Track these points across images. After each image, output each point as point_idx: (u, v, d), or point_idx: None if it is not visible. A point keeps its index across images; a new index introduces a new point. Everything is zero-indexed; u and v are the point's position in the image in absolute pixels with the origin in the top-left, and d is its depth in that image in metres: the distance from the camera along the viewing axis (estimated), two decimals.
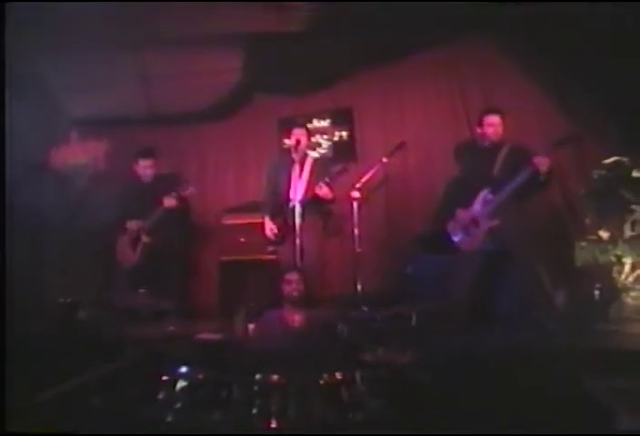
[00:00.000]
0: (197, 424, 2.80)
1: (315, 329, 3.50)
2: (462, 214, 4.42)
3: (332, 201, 4.62)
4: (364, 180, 5.02)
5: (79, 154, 6.06)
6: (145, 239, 5.10)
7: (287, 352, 3.21)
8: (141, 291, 4.07)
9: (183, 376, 2.94)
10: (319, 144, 6.19)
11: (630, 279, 4.18)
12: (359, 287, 4.90)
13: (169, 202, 5.00)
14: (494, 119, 4.42)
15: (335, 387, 2.84)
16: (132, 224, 5.14)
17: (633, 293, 4.13)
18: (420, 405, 2.90)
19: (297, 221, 4.39)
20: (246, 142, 6.46)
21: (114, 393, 3.21)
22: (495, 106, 4.67)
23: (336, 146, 6.16)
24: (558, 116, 4.92)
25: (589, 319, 3.97)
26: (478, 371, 3.16)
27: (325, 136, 6.21)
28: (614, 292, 4.16)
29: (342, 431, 2.75)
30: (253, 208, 5.37)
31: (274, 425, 2.74)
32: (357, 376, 2.88)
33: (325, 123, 6.20)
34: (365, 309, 4.45)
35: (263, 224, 4.79)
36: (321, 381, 2.85)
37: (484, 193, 4.33)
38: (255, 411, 2.79)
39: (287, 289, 3.72)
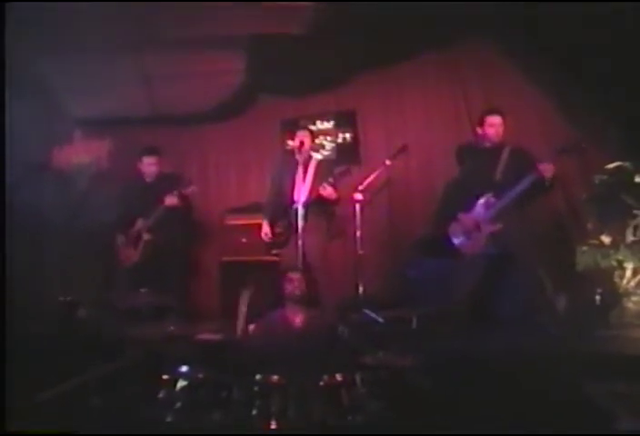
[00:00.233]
0: (197, 424, 2.80)
1: (315, 330, 3.48)
2: (464, 218, 4.41)
3: (336, 201, 4.59)
4: (366, 182, 5.02)
5: (82, 154, 6.06)
6: (145, 237, 5.09)
7: (288, 353, 3.20)
8: (142, 290, 4.08)
9: (183, 376, 2.94)
10: (323, 146, 6.17)
11: (631, 284, 4.18)
12: (360, 289, 4.90)
13: (171, 200, 4.99)
14: (495, 119, 4.41)
15: (336, 389, 2.84)
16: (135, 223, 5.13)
17: (634, 298, 4.14)
18: (420, 408, 2.91)
19: (300, 222, 4.38)
20: (249, 143, 6.44)
21: (114, 393, 3.22)
22: (497, 107, 4.67)
23: (340, 148, 6.15)
24: (559, 118, 4.93)
25: (590, 323, 3.97)
26: (479, 374, 3.16)
27: (329, 138, 6.19)
28: (615, 296, 4.16)
29: (341, 433, 2.75)
30: (255, 209, 5.37)
31: (273, 426, 2.74)
32: (357, 378, 2.87)
33: (328, 125, 6.18)
34: (368, 312, 4.46)
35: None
36: (321, 383, 2.85)
37: (486, 197, 4.32)
38: (254, 411, 2.79)
39: (289, 287, 3.67)
